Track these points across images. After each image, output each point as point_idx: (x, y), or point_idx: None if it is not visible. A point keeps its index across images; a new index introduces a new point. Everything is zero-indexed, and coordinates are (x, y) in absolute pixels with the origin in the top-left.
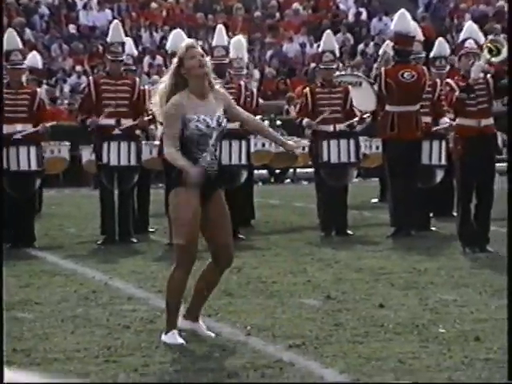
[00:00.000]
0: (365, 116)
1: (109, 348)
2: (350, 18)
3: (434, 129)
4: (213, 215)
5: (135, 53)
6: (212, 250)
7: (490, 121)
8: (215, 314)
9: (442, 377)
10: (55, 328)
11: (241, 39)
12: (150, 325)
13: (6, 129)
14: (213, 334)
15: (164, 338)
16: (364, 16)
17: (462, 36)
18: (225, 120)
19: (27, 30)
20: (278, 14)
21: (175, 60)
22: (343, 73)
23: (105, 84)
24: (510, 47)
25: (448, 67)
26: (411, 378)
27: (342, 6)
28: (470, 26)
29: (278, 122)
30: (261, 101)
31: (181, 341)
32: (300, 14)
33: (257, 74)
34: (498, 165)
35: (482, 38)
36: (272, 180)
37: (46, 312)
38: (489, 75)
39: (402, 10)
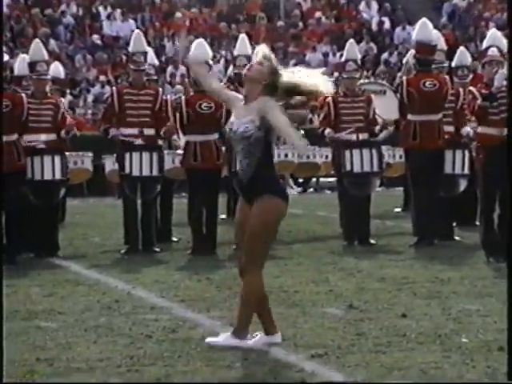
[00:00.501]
0: (387, 125)
1: (131, 357)
2: (374, 27)
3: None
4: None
5: (156, 63)
6: None
7: None
8: None
9: None
10: (78, 337)
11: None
12: (173, 334)
13: (30, 138)
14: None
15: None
16: (387, 25)
17: (485, 43)
18: (251, 131)
19: (51, 41)
20: (300, 24)
21: None
22: (367, 81)
23: (128, 94)
24: (510, 47)
25: (471, 75)
26: None
27: (365, 15)
28: (493, 33)
29: (301, 132)
30: None
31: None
32: (323, 23)
33: None
34: None
35: (505, 46)
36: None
37: (70, 321)
38: None
39: (424, 19)
